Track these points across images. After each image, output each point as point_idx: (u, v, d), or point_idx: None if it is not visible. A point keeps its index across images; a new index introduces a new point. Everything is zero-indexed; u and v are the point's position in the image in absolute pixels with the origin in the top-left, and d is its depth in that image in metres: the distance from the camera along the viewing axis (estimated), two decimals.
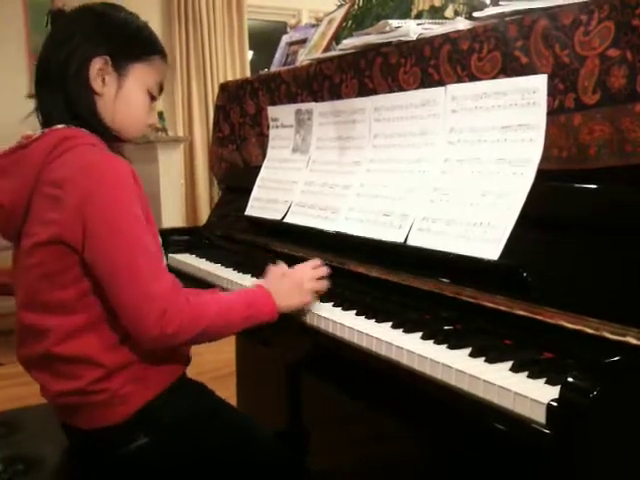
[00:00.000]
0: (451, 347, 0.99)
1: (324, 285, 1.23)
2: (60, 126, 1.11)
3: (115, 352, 1.09)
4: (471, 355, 0.95)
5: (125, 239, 1.04)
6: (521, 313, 0.99)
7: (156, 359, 1.13)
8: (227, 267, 1.60)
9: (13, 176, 1.10)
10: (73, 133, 1.10)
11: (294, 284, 1.20)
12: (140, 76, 1.17)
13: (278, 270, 1.24)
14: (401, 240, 1.26)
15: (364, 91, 1.49)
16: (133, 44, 1.17)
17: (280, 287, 1.18)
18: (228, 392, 2.02)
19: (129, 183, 1.07)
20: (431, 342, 1.02)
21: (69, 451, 1.24)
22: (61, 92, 1.12)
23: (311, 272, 1.23)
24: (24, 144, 1.11)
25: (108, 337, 1.09)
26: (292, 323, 1.25)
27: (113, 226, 1.04)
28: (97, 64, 1.12)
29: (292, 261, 1.41)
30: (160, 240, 1.16)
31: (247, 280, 1.48)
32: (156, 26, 4.87)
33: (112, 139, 1.17)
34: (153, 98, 1.21)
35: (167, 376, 1.15)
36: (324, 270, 1.25)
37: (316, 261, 1.27)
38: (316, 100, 1.66)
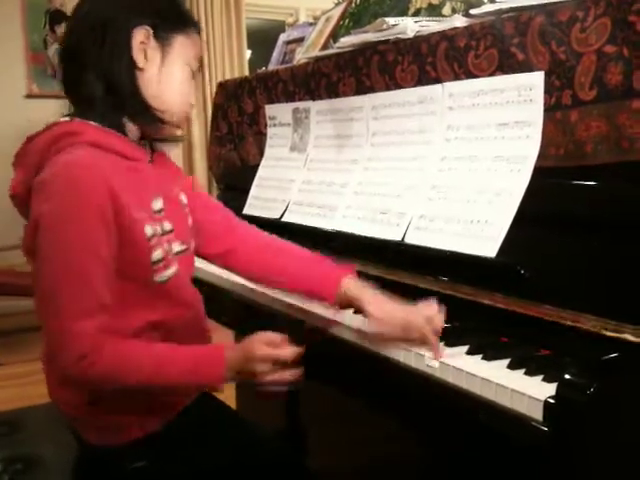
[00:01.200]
0: (448, 345, 0.99)
1: (283, 373, 1.02)
2: (64, 119, 1.05)
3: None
4: (469, 353, 0.96)
5: (62, 266, 0.95)
6: (518, 310, 0.99)
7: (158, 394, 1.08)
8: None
9: (18, 169, 1.06)
10: (76, 129, 1.02)
11: (246, 360, 1.02)
12: (182, 49, 1.08)
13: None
14: (399, 238, 1.26)
15: (362, 89, 1.49)
16: (174, 15, 1.08)
17: (234, 360, 1.02)
18: (227, 392, 2.02)
19: (95, 205, 0.97)
20: None
21: (70, 451, 1.24)
22: (99, 67, 1.02)
23: (263, 349, 1.02)
24: (33, 136, 1.05)
25: None
26: (288, 320, 1.25)
27: (54, 249, 0.96)
28: (139, 35, 1.03)
29: None
30: (160, 254, 1.06)
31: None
32: None
33: (157, 121, 1.07)
34: (193, 74, 1.13)
35: (169, 411, 1.12)
36: (285, 352, 1.02)
37: (277, 337, 1.04)
38: (314, 98, 1.66)
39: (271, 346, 1.02)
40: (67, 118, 1.05)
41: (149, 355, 1.00)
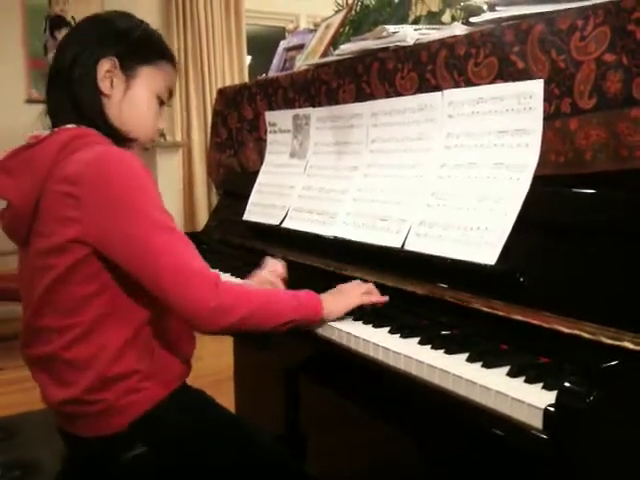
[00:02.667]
0: (448, 352, 0.99)
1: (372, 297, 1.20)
2: (70, 125, 1.11)
3: (115, 362, 1.08)
4: (468, 360, 0.95)
5: (157, 225, 1.04)
6: (518, 318, 0.99)
7: (154, 370, 1.12)
8: (225, 272, 1.60)
9: (23, 175, 1.09)
10: (84, 132, 1.10)
11: (342, 292, 1.20)
12: (149, 79, 1.17)
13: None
14: (398, 245, 1.26)
15: (361, 96, 1.49)
16: (142, 47, 1.17)
17: (328, 295, 1.18)
18: (227, 397, 2.02)
19: (143, 171, 1.07)
20: (428, 347, 1.02)
21: (67, 458, 1.24)
22: (68, 93, 1.12)
23: (364, 287, 1.21)
24: (33, 143, 1.10)
25: (111, 344, 1.08)
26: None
27: (142, 215, 1.04)
28: (105, 65, 1.12)
29: (291, 266, 1.41)
30: None
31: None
32: None
33: (122, 140, 1.16)
34: (162, 103, 1.20)
35: (165, 387, 1.14)
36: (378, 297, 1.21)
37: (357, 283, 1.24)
38: (313, 105, 1.67)
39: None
40: (72, 125, 1.11)
41: (259, 290, 1.16)
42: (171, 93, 1.22)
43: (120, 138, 1.15)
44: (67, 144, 1.07)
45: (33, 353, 1.14)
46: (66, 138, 1.08)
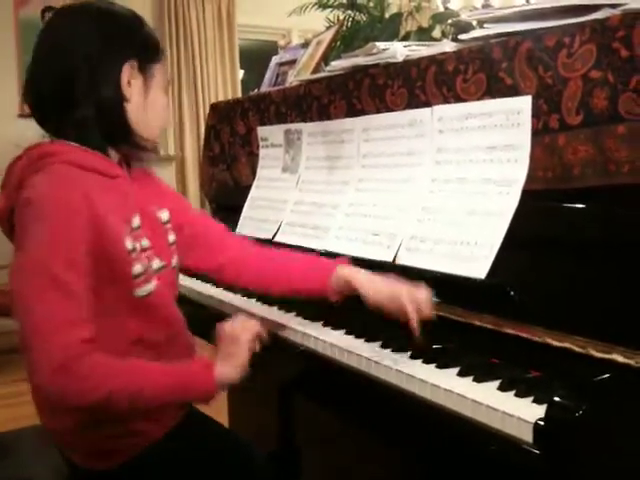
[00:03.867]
0: (440, 366, 0.99)
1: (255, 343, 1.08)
2: (46, 141, 1.07)
3: None
4: (459, 374, 0.96)
5: (38, 279, 0.93)
6: (508, 331, 1.00)
7: (146, 414, 1.07)
8: (217, 287, 1.61)
9: (4, 190, 1.08)
10: (54, 149, 1.04)
11: (231, 341, 1.06)
12: (160, 77, 1.13)
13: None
14: (390, 259, 1.27)
15: (352, 112, 1.51)
16: (152, 45, 1.12)
17: (219, 363, 1.04)
18: (220, 413, 2.01)
19: (70, 220, 0.97)
20: (420, 361, 1.02)
21: (61, 474, 1.23)
22: (91, 99, 1.04)
23: (242, 324, 1.09)
24: (15, 159, 1.08)
25: None
26: (282, 343, 1.25)
27: (32, 261, 0.95)
28: (127, 69, 1.07)
29: None
30: (140, 268, 1.06)
31: (236, 298, 1.48)
32: None
33: (140, 147, 1.12)
34: (166, 95, 1.17)
35: (160, 430, 1.11)
36: (253, 322, 1.10)
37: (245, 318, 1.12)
38: (305, 120, 1.68)
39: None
40: (47, 141, 1.07)
41: (131, 368, 0.99)
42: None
43: (136, 145, 1.11)
44: (32, 163, 1.03)
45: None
46: (35, 156, 1.04)
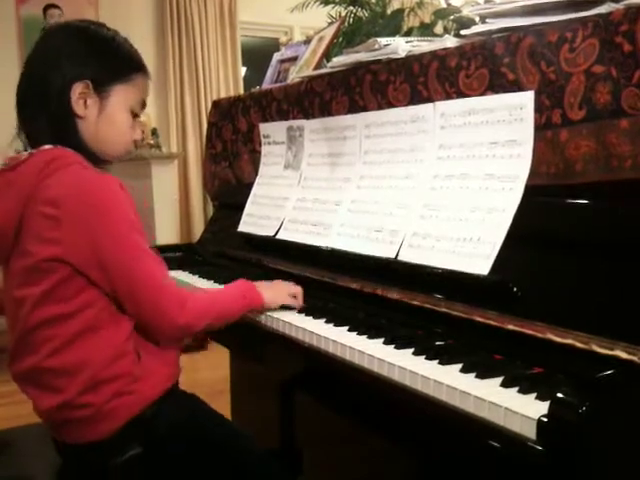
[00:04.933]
0: (442, 363, 0.99)
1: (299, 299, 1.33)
2: (48, 146, 1.12)
3: (102, 365, 1.09)
4: (462, 371, 0.95)
5: (132, 246, 1.10)
6: (511, 328, 1.00)
7: (142, 373, 1.13)
8: (220, 284, 1.60)
9: (4, 197, 1.11)
10: (61, 153, 1.11)
11: (273, 286, 1.34)
12: (122, 97, 1.17)
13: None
14: (392, 256, 1.27)
15: (354, 108, 1.50)
16: (113, 66, 1.17)
17: (264, 287, 1.31)
18: (223, 409, 2.01)
19: (121, 195, 1.11)
20: (422, 358, 1.02)
21: (60, 471, 1.23)
22: (44, 114, 1.13)
23: (285, 285, 1.36)
24: (13, 165, 1.12)
25: (97, 351, 1.10)
26: (284, 339, 1.25)
27: (119, 237, 1.09)
28: (78, 88, 1.13)
29: (285, 277, 1.41)
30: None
31: None
32: (149, 43, 4.90)
33: (96, 161, 1.17)
34: (135, 115, 1.21)
35: (154, 390, 1.15)
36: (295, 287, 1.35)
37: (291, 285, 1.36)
38: (307, 117, 1.67)
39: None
40: (50, 146, 1.12)
41: (212, 294, 1.27)
42: (144, 104, 1.23)
43: (95, 159, 1.17)
44: (47, 165, 1.09)
45: (20, 367, 1.14)
46: (45, 159, 1.09)
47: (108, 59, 1.17)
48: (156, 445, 1.13)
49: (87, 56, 1.15)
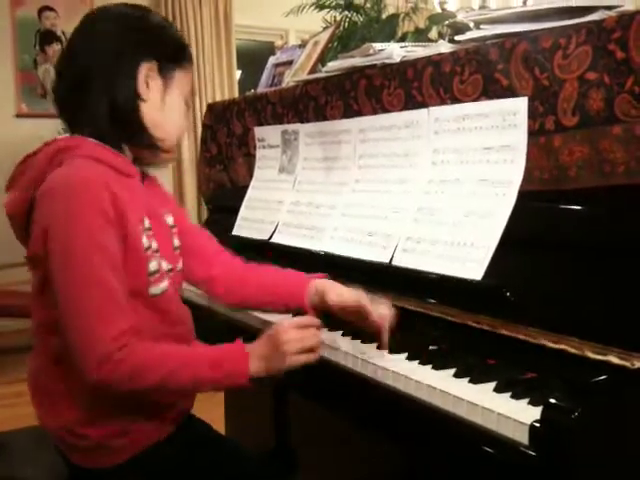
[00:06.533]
0: (436, 368, 0.99)
1: (310, 355, 1.03)
2: (64, 136, 1.09)
3: (98, 397, 1.03)
4: (455, 375, 0.96)
5: (78, 271, 0.97)
6: (504, 333, 1.00)
7: (149, 412, 1.08)
8: None
9: (18, 186, 1.09)
10: (74, 143, 1.07)
11: (272, 345, 1.01)
12: (180, 83, 1.15)
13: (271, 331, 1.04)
14: (386, 260, 1.27)
15: (349, 112, 1.51)
16: (176, 50, 1.15)
17: (262, 350, 1.02)
18: (217, 412, 2.01)
19: (99, 209, 0.99)
20: (416, 363, 1.02)
21: (59, 474, 1.22)
22: (106, 96, 1.07)
23: (293, 333, 1.02)
24: (30, 154, 1.10)
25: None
26: None
27: (68, 255, 0.98)
28: (145, 69, 1.09)
29: None
30: (155, 265, 1.09)
31: None
32: None
33: (155, 147, 1.13)
34: (187, 106, 1.19)
35: (161, 431, 1.11)
36: (312, 333, 1.04)
37: (304, 319, 1.08)
38: (302, 121, 1.68)
39: (298, 328, 1.03)
40: (66, 134, 1.10)
41: (172, 352, 1.01)
42: (192, 89, 1.20)
43: (149, 144, 1.12)
44: (53, 157, 1.06)
45: (30, 365, 1.12)
46: (53, 151, 1.06)
47: (171, 43, 1.14)
48: (159, 476, 1.11)
49: (153, 38, 1.11)
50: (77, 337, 0.97)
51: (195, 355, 1.03)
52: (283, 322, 1.05)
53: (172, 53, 1.13)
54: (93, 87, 1.07)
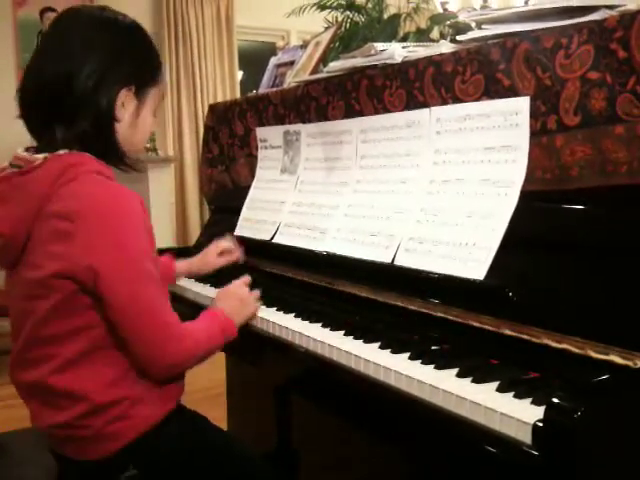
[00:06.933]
0: (438, 367, 0.99)
1: (256, 293, 1.35)
2: (62, 151, 1.06)
3: (105, 389, 1.07)
4: (458, 375, 0.96)
5: (137, 272, 1.05)
6: (507, 332, 1.00)
7: (144, 397, 1.10)
8: (216, 287, 1.60)
9: (14, 203, 1.06)
10: (78, 160, 1.06)
11: (239, 301, 1.30)
12: (152, 99, 1.16)
13: (221, 293, 1.33)
14: (388, 260, 1.27)
15: (351, 113, 1.51)
16: (151, 68, 1.16)
17: (232, 308, 1.26)
18: (219, 412, 2.01)
19: (137, 214, 1.06)
20: (418, 362, 1.02)
21: (57, 477, 1.23)
22: (86, 119, 1.07)
23: (244, 287, 1.34)
24: (24, 170, 1.06)
25: (100, 373, 1.07)
26: (280, 343, 1.25)
27: (129, 261, 1.04)
28: (123, 95, 1.10)
29: (280, 281, 1.42)
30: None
31: None
32: None
33: (123, 163, 1.15)
34: (155, 116, 1.21)
35: (156, 414, 1.12)
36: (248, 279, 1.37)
37: (245, 278, 1.36)
38: (304, 121, 1.68)
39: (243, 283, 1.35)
40: (65, 151, 1.07)
41: (201, 331, 1.17)
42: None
43: (121, 161, 1.14)
44: (62, 173, 1.04)
45: (24, 379, 1.12)
46: (61, 167, 1.04)
47: (148, 61, 1.15)
48: (156, 465, 1.12)
49: (130, 59, 1.11)
50: (151, 329, 1.06)
51: (207, 327, 1.19)
52: (234, 282, 1.35)
53: (150, 75, 1.15)
54: (74, 102, 1.07)
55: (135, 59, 1.12)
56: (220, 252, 1.59)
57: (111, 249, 1.03)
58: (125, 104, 1.11)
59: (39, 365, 1.09)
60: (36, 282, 1.06)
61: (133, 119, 1.13)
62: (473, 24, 1.46)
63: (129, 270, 1.04)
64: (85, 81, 1.06)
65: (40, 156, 1.06)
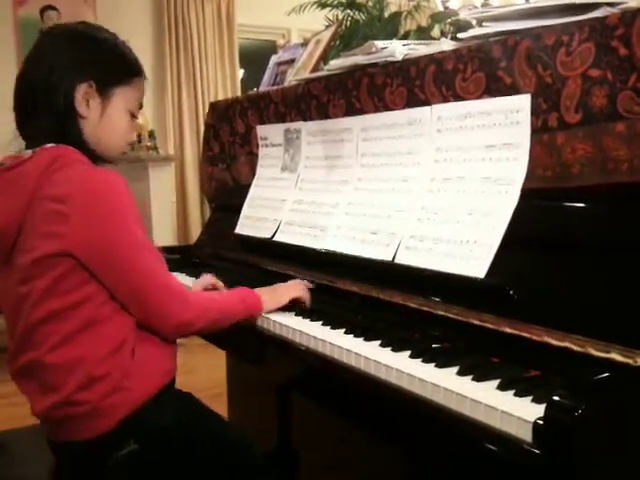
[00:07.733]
0: (439, 366, 0.99)
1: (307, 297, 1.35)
2: (50, 145, 1.13)
3: (99, 361, 1.10)
4: (459, 373, 0.96)
5: (134, 239, 1.12)
6: (508, 331, 1.00)
7: (138, 369, 1.13)
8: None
9: (5, 196, 1.12)
10: (65, 151, 1.13)
11: (282, 287, 1.36)
12: (122, 99, 1.20)
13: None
14: (389, 258, 1.27)
15: (351, 111, 1.51)
16: (116, 69, 1.20)
17: (267, 289, 1.33)
18: (220, 411, 2.00)
19: (125, 193, 1.13)
20: (419, 361, 1.02)
21: (56, 472, 1.23)
22: (50, 115, 1.14)
23: (300, 284, 1.38)
24: (14, 164, 1.13)
25: (96, 347, 1.11)
26: (281, 342, 1.25)
27: (126, 233, 1.11)
28: (82, 89, 1.15)
29: (281, 279, 1.41)
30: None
31: None
32: (147, 45, 4.90)
33: (96, 159, 1.20)
34: (133, 117, 1.25)
35: (149, 386, 1.15)
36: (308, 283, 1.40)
37: (305, 282, 1.39)
38: (304, 119, 1.68)
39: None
40: (52, 145, 1.14)
41: (211, 294, 1.27)
42: (141, 105, 1.27)
43: (95, 158, 1.19)
44: (51, 163, 1.10)
45: (19, 363, 1.15)
46: (49, 157, 1.11)
47: (111, 63, 1.20)
48: (152, 442, 1.14)
49: (91, 59, 1.18)
50: (157, 293, 1.13)
51: (226, 294, 1.30)
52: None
53: (111, 73, 1.19)
54: (38, 105, 1.15)
55: (98, 60, 1.18)
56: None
57: (106, 221, 1.09)
58: (89, 101, 1.16)
59: (36, 347, 1.11)
60: (31, 263, 1.10)
61: (99, 116, 1.18)
62: (474, 22, 1.45)
63: (125, 237, 1.11)
64: (48, 78, 1.14)
65: (29, 151, 1.14)
